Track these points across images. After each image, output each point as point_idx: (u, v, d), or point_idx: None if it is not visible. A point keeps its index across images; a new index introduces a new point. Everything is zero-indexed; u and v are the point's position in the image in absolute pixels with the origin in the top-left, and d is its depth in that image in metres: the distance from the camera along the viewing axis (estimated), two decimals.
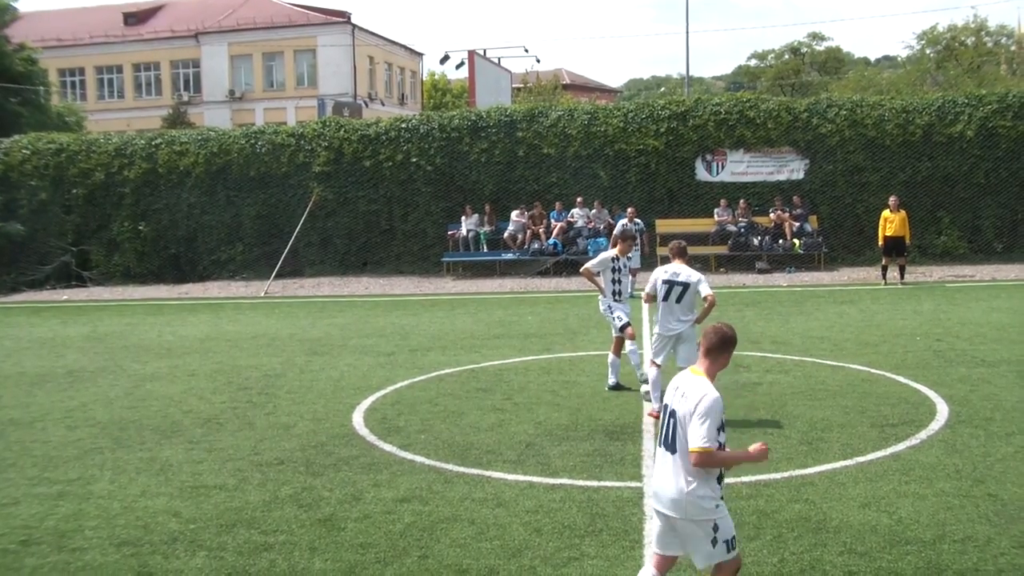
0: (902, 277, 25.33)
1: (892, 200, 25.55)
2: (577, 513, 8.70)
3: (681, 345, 11.87)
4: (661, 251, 24.08)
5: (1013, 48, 67.46)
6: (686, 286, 11.64)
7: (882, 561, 7.44)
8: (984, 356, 15.29)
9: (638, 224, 24.52)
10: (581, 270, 14.20)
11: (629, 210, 25.09)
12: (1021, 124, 29.29)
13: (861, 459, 10.06)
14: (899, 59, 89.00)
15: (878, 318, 19.72)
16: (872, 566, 7.35)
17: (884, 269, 25.43)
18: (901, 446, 10.48)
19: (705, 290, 11.49)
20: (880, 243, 25.55)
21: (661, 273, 11.94)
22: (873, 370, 14.56)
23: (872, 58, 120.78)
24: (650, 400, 12.36)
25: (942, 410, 11.96)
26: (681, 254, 11.96)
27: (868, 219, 28.76)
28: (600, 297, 13.94)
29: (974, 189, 29.64)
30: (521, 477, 9.80)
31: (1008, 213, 29.72)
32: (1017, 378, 13.64)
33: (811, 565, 7.40)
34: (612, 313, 13.69)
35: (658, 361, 12.13)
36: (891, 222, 25.09)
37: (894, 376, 14.05)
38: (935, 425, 11.29)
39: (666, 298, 11.77)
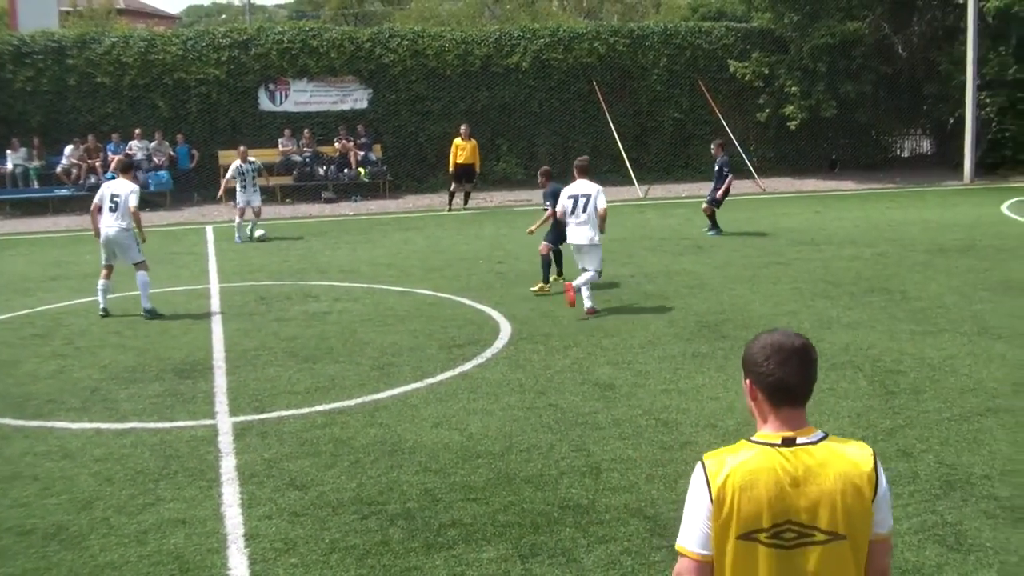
0: (466, 203, 26.36)
1: (463, 128, 26.32)
2: (150, 457, 8.40)
3: (584, 256, 13.47)
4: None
5: None
6: (588, 196, 13.25)
7: (456, 476, 7.79)
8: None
9: (253, 163, 22.59)
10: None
11: (241, 148, 23.09)
12: (571, 57, 31.28)
13: (431, 380, 10.46)
14: None
15: (443, 243, 20.46)
16: (447, 481, 7.67)
17: (451, 195, 26.19)
18: (468, 365, 11.00)
19: (601, 203, 13.20)
20: (451, 170, 26.29)
21: (569, 190, 13.50)
22: (439, 294, 15.12)
23: None
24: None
25: (505, 329, 12.66)
26: (583, 172, 13.65)
27: (431, 147, 29.75)
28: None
29: (530, 118, 31.38)
30: (88, 425, 9.30)
31: (561, 140, 31.73)
32: None
33: (388, 487, 7.60)
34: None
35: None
36: (462, 149, 25.87)
37: (459, 299, 14.67)
38: (499, 343, 11.94)
39: (573, 211, 13.28)
